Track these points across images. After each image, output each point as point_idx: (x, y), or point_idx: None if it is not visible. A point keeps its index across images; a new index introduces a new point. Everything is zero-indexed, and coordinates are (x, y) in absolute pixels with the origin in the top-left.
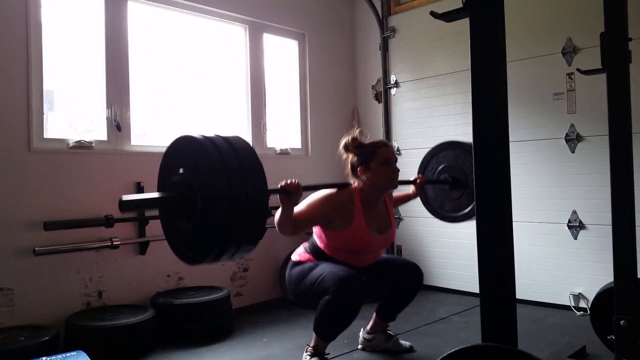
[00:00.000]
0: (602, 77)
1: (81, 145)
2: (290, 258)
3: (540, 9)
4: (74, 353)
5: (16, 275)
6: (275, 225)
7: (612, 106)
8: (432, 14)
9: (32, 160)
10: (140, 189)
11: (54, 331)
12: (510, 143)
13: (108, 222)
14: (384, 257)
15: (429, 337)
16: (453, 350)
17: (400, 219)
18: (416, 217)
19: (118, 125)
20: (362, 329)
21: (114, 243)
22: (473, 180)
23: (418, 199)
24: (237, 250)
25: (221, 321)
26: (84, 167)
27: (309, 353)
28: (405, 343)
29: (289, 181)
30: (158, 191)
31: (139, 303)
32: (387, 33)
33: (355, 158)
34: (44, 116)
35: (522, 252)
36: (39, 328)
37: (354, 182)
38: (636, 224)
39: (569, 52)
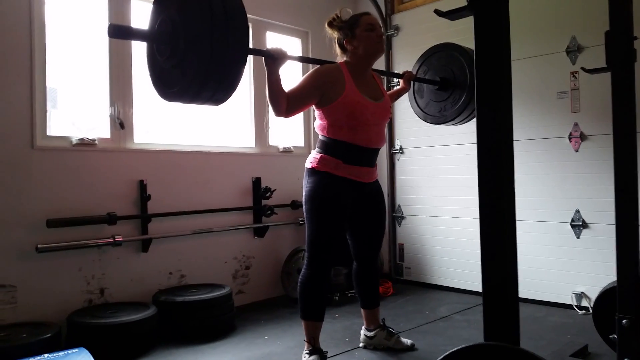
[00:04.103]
0: (607, 76)
1: (84, 143)
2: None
3: (545, 8)
4: (76, 350)
5: (19, 273)
6: (268, 100)
7: (617, 105)
8: (437, 12)
9: (35, 158)
10: (143, 187)
11: (56, 328)
12: (514, 141)
13: (111, 219)
14: (371, 222)
15: (430, 336)
16: (455, 348)
17: (402, 218)
18: (418, 216)
19: (121, 123)
20: (362, 327)
21: (117, 240)
22: (462, 80)
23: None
24: (214, 92)
25: (223, 319)
26: (87, 164)
27: (307, 351)
28: (406, 341)
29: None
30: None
31: (141, 300)
32: (390, 31)
33: (341, 32)
34: (47, 114)
35: (525, 251)
36: (41, 325)
37: (342, 60)
38: None
39: (574, 50)
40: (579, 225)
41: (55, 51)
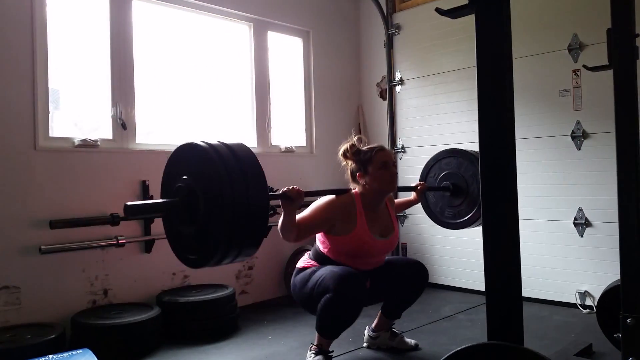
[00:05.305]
0: (609, 74)
1: (87, 144)
2: (296, 265)
3: (546, 5)
4: (80, 351)
5: (22, 274)
6: (279, 231)
7: (619, 103)
8: (438, 10)
9: (38, 159)
10: (145, 187)
11: (60, 329)
12: (515, 140)
13: (114, 220)
14: (388, 258)
15: (434, 335)
16: (459, 348)
17: (405, 217)
18: (421, 215)
19: (123, 123)
20: (367, 327)
21: (120, 241)
22: (474, 189)
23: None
24: (238, 253)
25: (226, 319)
26: (89, 165)
27: (313, 352)
28: (410, 341)
29: (290, 187)
30: (162, 197)
31: (144, 301)
32: (391, 30)
33: (354, 164)
34: (50, 115)
35: (528, 250)
36: (45, 326)
37: (355, 188)
38: None
39: (575, 48)
40: (582, 223)
41: (57, 52)
